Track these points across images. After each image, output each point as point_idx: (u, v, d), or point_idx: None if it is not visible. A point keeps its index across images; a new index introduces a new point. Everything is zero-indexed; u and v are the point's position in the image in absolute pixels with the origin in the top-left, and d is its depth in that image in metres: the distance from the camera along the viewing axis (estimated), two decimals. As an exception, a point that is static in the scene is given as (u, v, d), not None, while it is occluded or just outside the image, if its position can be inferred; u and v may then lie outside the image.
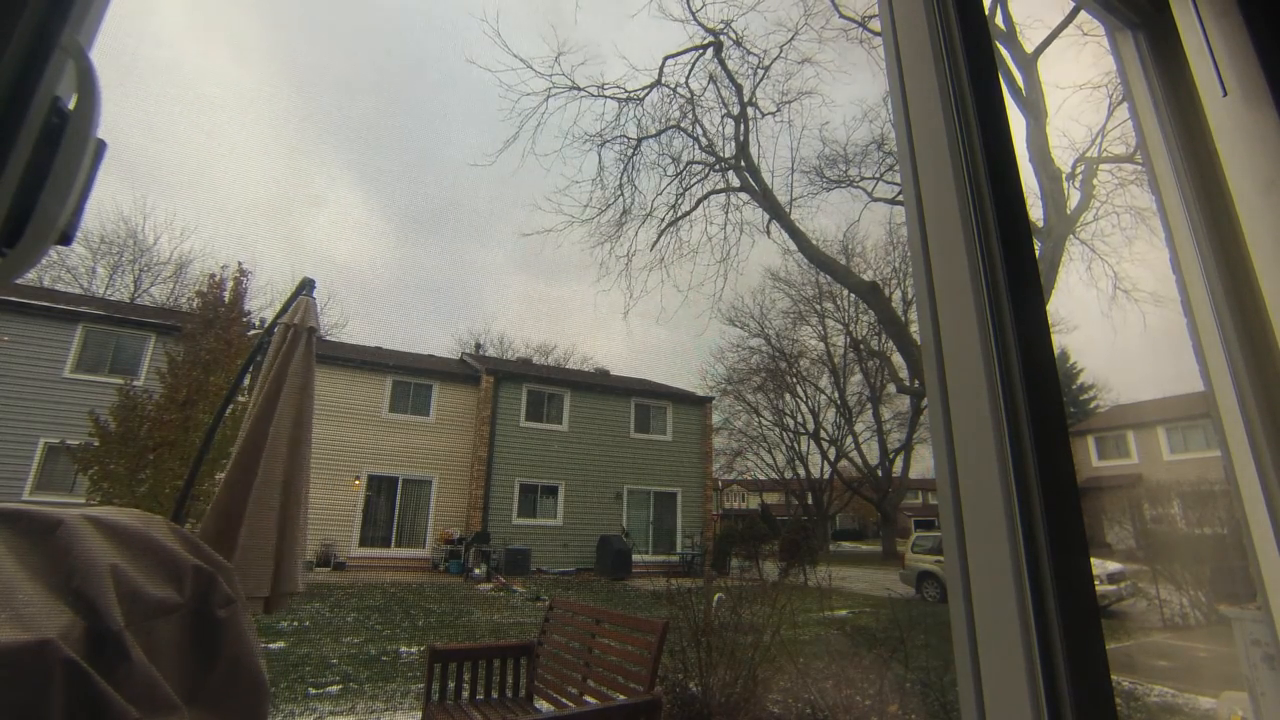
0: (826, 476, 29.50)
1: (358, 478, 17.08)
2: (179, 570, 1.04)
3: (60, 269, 22.05)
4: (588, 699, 3.57)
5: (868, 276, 17.93)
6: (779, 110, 12.75)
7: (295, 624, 8.84)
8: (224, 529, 2.49)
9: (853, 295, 21.74)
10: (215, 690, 1.02)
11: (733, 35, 12.30)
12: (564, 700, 3.73)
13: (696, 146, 13.28)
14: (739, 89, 12.85)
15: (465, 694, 3.88)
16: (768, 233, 13.20)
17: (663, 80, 12.65)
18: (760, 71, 12.59)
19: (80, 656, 0.77)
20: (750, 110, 12.87)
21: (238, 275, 12.59)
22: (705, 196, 13.32)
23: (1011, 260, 0.77)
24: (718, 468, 26.71)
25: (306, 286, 3.12)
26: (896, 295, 19.85)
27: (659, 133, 13.00)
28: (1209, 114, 1.04)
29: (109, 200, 23.02)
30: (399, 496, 17.60)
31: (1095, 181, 11.07)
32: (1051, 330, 0.78)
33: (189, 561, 1.06)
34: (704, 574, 12.37)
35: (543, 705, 3.95)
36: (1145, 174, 1.17)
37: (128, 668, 0.83)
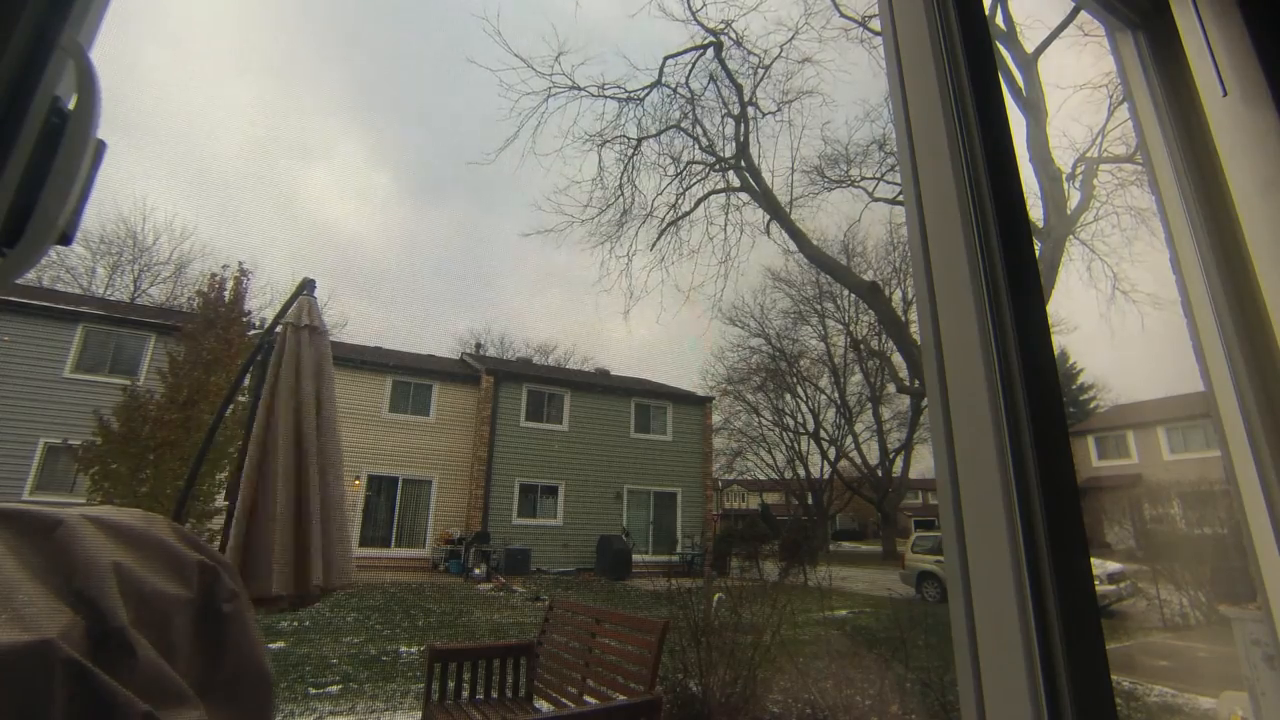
0: (826, 476, 29.50)
1: (358, 478, 17.09)
2: (183, 565, 1.04)
3: (60, 269, 22.03)
4: (588, 699, 3.57)
5: (868, 276, 17.94)
6: (779, 110, 12.74)
7: (295, 624, 8.84)
8: (248, 533, 2.53)
9: (853, 295, 21.74)
10: (224, 685, 1.01)
11: (733, 35, 12.30)
12: (564, 700, 3.73)
13: (696, 146, 13.29)
14: (739, 89, 12.85)
15: (465, 694, 3.88)
16: (768, 233, 13.20)
17: (663, 80, 12.65)
18: (760, 71, 12.59)
19: (82, 655, 0.77)
20: (750, 110, 12.87)
21: (238, 275, 12.61)
22: (705, 196, 13.32)
23: (1011, 260, 0.77)
24: (718, 468, 26.71)
25: (307, 287, 3.13)
26: (896, 295, 19.86)
27: (659, 133, 13.00)
28: (1209, 114, 1.04)
29: (109, 200, 23.02)
30: (399, 496, 17.60)
31: (1095, 182, 11.07)
32: (1051, 330, 0.78)
33: (192, 557, 1.07)
34: (704, 574, 12.37)
35: (543, 705, 3.95)
36: (1145, 174, 1.17)
37: (133, 663, 0.83)
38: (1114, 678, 0.67)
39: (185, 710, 0.86)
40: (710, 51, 12.55)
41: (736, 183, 13.16)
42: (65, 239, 0.46)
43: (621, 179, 12.88)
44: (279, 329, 3.01)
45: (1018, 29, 10.45)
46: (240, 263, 12.98)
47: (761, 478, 32.00)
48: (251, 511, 2.60)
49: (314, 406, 2.79)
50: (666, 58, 12.47)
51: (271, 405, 2.78)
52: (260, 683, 1.08)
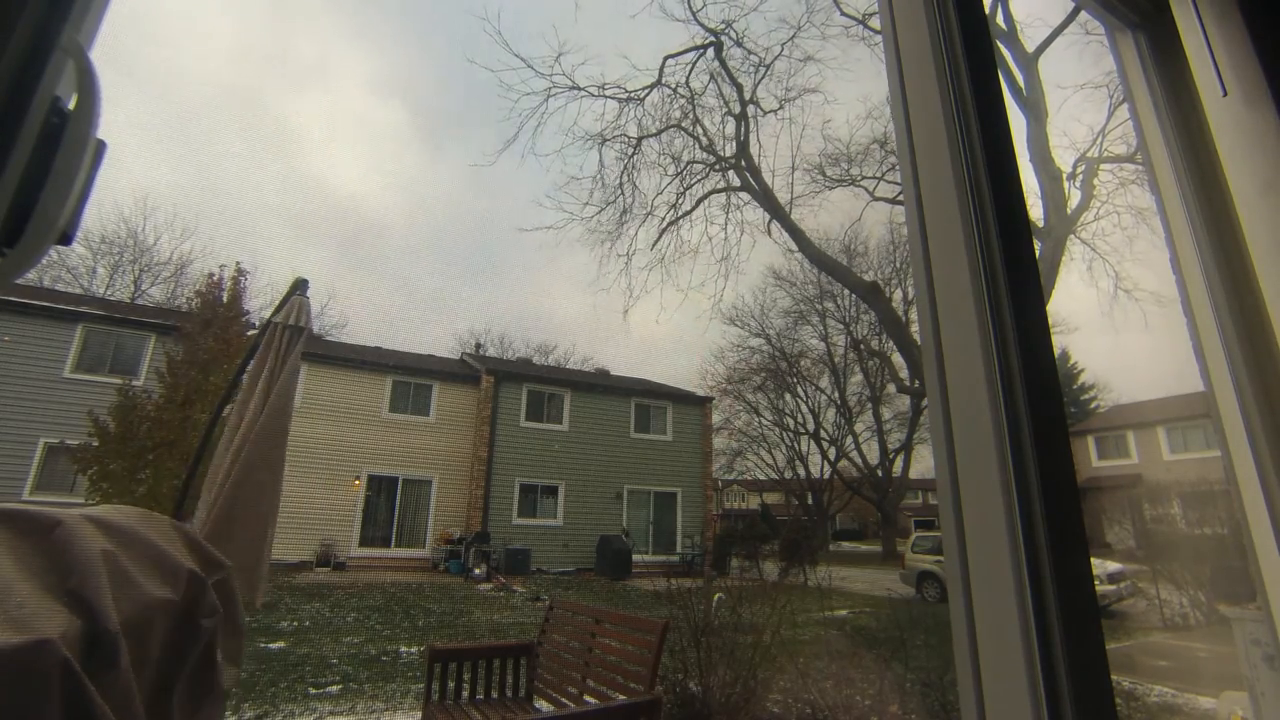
0: (826, 476, 29.50)
1: (358, 478, 17.08)
2: (175, 571, 1.04)
3: (60, 269, 22.06)
4: (588, 699, 3.57)
5: (868, 276, 17.93)
6: (780, 108, 12.72)
7: (295, 624, 8.84)
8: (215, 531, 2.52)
9: (853, 295, 21.75)
10: (179, 695, 1.01)
11: (733, 35, 12.30)
12: (564, 700, 3.73)
13: (697, 146, 13.28)
14: (739, 88, 12.84)
15: (465, 694, 3.88)
16: (768, 232, 13.20)
17: (663, 80, 12.64)
18: (761, 69, 12.57)
19: (75, 658, 0.77)
20: (751, 109, 12.86)
21: (236, 275, 12.60)
22: (706, 196, 13.32)
23: (1011, 260, 0.77)
24: (718, 468, 26.71)
25: (300, 287, 3.13)
26: (897, 295, 19.85)
27: (659, 132, 13.00)
28: (1209, 114, 1.04)
29: (109, 200, 23.03)
30: (399, 496, 17.59)
31: (1096, 181, 11.06)
32: (1051, 330, 0.78)
33: (185, 564, 1.06)
34: (704, 574, 12.37)
35: (543, 705, 3.95)
36: (1146, 174, 1.17)
37: (115, 675, 0.83)
38: (1114, 678, 0.67)
39: None
40: (710, 51, 12.55)
41: (737, 182, 13.17)
42: (65, 239, 0.46)
43: (621, 178, 12.88)
44: (276, 325, 3.01)
45: (1018, 28, 10.46)
46: (238, 262, 12.98)
47: (761, 478, 32.02)
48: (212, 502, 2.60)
49: (263, 411, 2.77)
50: (667, 57, 12.47)
51: (247, 401, 2.79)
52: (212, 703, 1.08)
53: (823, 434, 28.69)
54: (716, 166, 13.28)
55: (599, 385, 21.31)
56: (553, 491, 19.17)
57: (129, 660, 0.85)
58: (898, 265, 19.68)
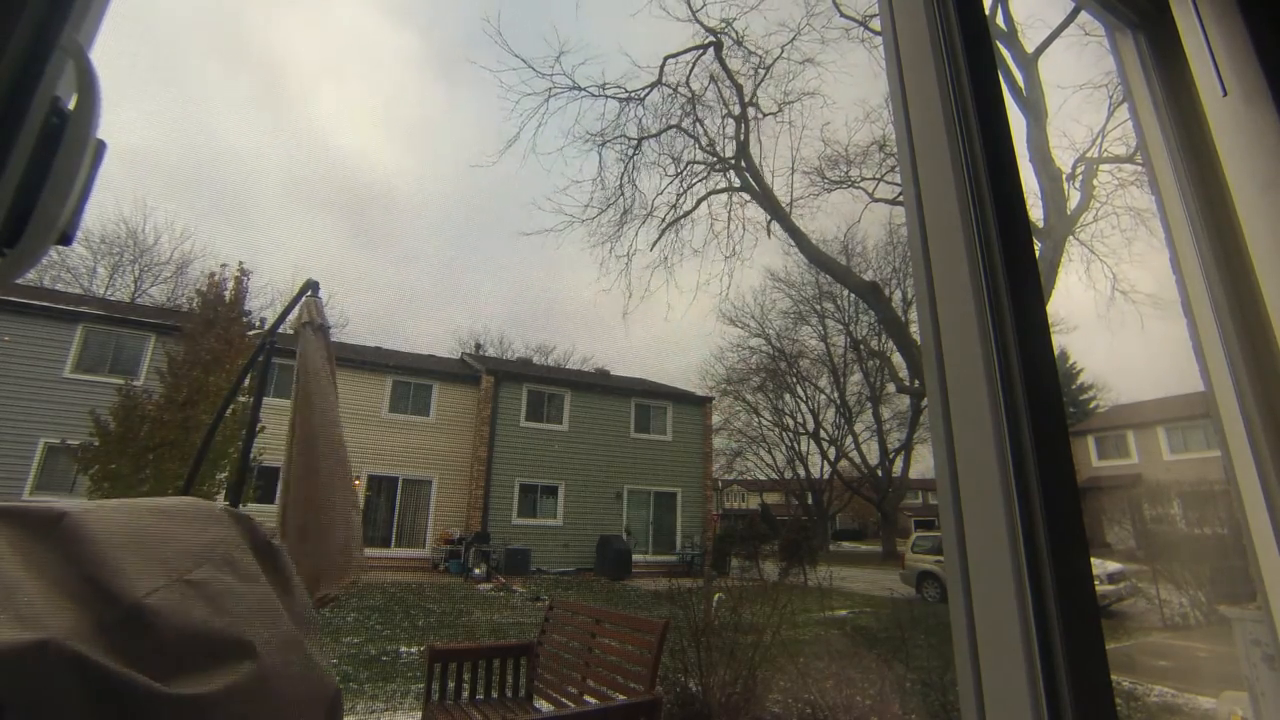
0: (826, 476, 29.50)
1: (358, 478, 17.09)
2: (210, 516, 1.05)
3: (60, 269, 22.05)
4: (588, 699, 3.57)
5: (868, 276, 17.93)
6: (780, 110, 12.72)
7: (295, 624, 8.83)
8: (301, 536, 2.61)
9: (853, 295, 21.76)
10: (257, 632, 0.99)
11: (734, 35, 12.29)
12: (564, 700, 3.73)
13: (697, 146, 13.28)
14: (739, 89, 12.84)
15: (465, 694, 3.88)
16: (768, 232, 13.20)
17: (663, 80, 12.64)
18: (761, 71, 12.57)
19: (93, 646, 0.76)
20: (751, 110, 12.86)
21: (238, 275, 12.60)
22: (705, 196, 13.32)
23: (1011, 260, 0.77)
24: (718, 468, 26.71)
25: (310, 288, 3.16)
26: (896, 295, 19.86)
27: (659, 132, 12.99)
28: (1209, 114, 1.04)
29: (109, 200, 23.03)
30: (399, 496, 17.59)
31: (1095, 182, 11.06)
32: (1051, 330, 0.78)
33: (217, 508, 1.08)
34: (704, 574, 12.37)
35: (543, 705, 3.95)
36: (1145, 174, 1.17)
37: (155, 639, 0.82)
38: (1114, 678, 0.67)
39: (229, 666, 0.85)
40: (711, 51, 12.55)
41: (737, 182, 13.17)
42: (65, 239, 0.46)
43: (622, 178, 12.88)
44: (294, 330, 3.05)
45: (1018, 29, 10.46)
46: (241, 263, 13.00)
47: (761, 478, 32.01)
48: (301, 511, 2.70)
49: (324, 407, 2.86)
50: (667, 57, 12.47)
51: (302, 406, 2.86)
52: (308, 629, 1.09)
53: (822, 434, 28.72)
54: (717, 166, 13.29)
55: (599, 385, 21.30)
56: (553, 491, 19.16)
57: (178, 615, 0.85)
58: (896, 265, 19.70)
